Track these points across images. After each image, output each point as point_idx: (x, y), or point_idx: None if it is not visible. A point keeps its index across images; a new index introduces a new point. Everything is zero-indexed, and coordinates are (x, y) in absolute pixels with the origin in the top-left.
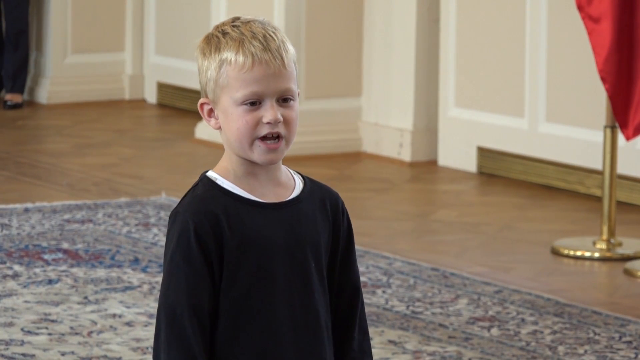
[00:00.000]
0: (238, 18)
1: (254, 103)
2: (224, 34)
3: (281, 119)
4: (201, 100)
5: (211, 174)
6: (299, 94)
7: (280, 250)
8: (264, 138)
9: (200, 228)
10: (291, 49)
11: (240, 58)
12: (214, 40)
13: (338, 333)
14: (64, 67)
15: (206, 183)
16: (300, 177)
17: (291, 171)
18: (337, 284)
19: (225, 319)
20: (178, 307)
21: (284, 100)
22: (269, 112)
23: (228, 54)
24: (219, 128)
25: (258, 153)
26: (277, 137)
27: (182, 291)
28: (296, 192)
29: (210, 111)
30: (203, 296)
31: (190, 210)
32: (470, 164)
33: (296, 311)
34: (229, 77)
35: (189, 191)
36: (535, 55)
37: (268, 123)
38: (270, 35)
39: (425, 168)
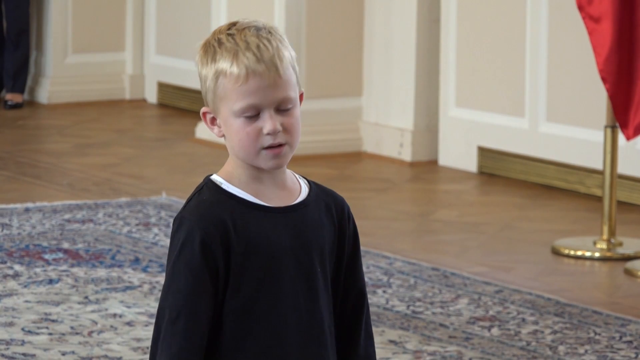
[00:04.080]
0: (235, 24)
1: (253, 114)
2: (220, 43)
3: (280, 128)
4: (203, 109)
5: (216, 177)
6: (302, 95)
7: (287, 255)
8: (268, 147)
9: (207, 236)
10: (287, 54)
11: (235, 70)
12: (211, 50)
13: (343, 338)
14: (64, 67)
15: (211, 187)
16: (306, 182)
17: (297, 175)
18: (342, 289)
19: (231, 324)
20: (174, 311)
21: (283, 109)
22: (268, 123)
23: (223, 66)
24: (223, 136)
25: (264, 160)
26: (279, 144)
27: (182, 297)
28: (302, 196)
29: (213, 119)
30: (202, 304)
31: (197, 216)
32: (470, 163)
33: (302, 316)
34: (226, 89)
35: (193, 195)
36: (536, 55)
37: (268, 134)
38: (264, 45)
39: (426, 168)
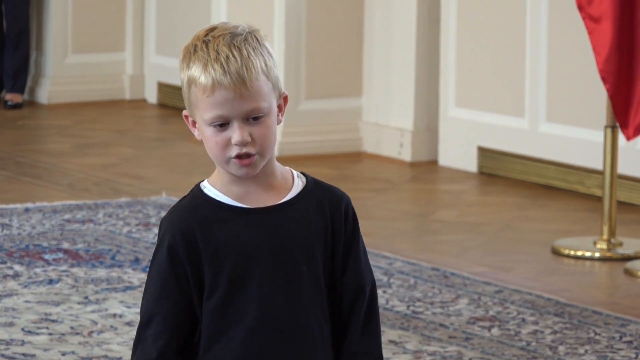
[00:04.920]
0: (213, 29)
1: (223, 124)
2: (195, 50)
3: (249, 139)
4: (184, 112)
5: (204, 182)
6: (286, 97)
7: (263, 255)
8: (236, 156)
9: (174, 243)
10: (259, 63)
11: (203, 81)
12: (187, 56)
13: (341, 336)
14: (64, 67)
15: (195, 191)
16: (304, 179)
17: (295, 173)
18: (339, 286)
19: (209, 324)
20: (146, 316)
21: (253, 118)
22: (236, 134)
23: (194, 74)
24: (202, 139)
25: (234, 169)
26: (248, 155)
27: (152, 301)
28: (290, 195)
29: (194, 122)
30: (172, 308)
31: (168, 222)
32: (470, 164)
33: (281, 314)
34: (197, 98)
35: (179, 199)
36: (536, 55)
37: (236, 144)
38: (234, 56)
39: (426, 168)
